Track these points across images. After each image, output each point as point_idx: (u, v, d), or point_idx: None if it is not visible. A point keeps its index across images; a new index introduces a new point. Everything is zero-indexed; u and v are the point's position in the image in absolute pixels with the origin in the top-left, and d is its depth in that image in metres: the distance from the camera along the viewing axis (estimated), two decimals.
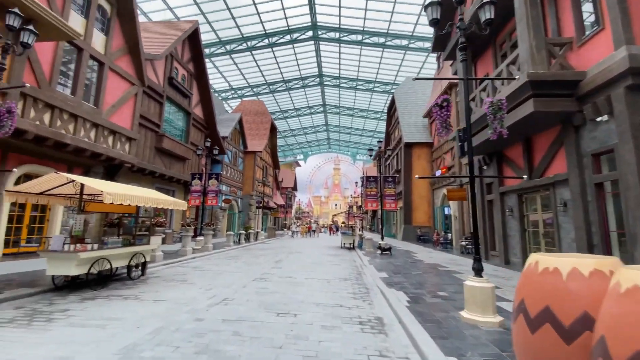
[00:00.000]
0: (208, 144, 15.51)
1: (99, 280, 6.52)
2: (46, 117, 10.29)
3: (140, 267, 7.62)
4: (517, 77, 7.00)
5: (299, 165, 76.76)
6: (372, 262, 11.05)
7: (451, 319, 4.48)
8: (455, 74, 18.62)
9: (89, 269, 5.93)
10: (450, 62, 16.54)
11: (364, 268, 9.94)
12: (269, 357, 3.23)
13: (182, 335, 3.78)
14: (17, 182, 9.82)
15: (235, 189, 30.11)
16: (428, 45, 27.34)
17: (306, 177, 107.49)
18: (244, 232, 19.88)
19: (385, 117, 35.99)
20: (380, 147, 15.25)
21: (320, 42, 30.38)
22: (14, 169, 8.90)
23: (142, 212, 16.65)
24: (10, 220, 9.98)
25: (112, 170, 14.52)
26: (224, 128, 28.32)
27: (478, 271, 4.69)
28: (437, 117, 5.56)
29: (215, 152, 16.28)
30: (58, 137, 10.45)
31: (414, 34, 27.07)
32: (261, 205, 31.68)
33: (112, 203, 5.68)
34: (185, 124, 20.67)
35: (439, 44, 14.84)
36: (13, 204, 10.01)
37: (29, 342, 3.48)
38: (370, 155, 15.62)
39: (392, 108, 32.56)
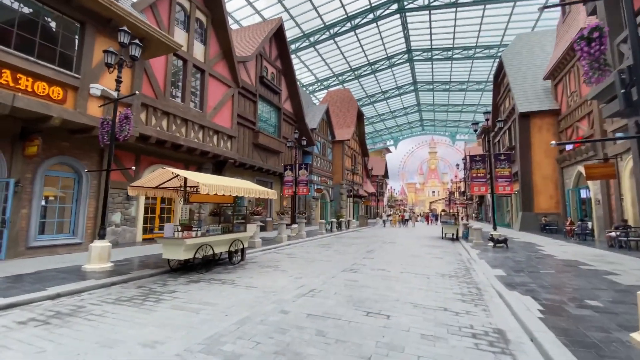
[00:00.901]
0: (296, 135, 15.81)
1: (204, 265, 7.14)
2: (164, 123, 12.03)
3: (239, 253, 8.12)
4: None
5: (389, 151, 73.99)
6: (483, 257, 9.34)
7: (617, 344, 3.07)
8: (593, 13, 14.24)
9: (195, 254, 6.49)
10: None
11: (473, 263, 8.43)
12: None
13: (265, 329, 3.56)
14: None
15: (325, 179, 30.71)
16: None
17: (398, 164, 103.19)
18: (335, 220, 19.95)
19: (492, 86, 30.87)
20: (487, 120, 12.82)
21: (407, 14, 27.82)
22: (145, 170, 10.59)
23: (246, 202, 18.43)
24: (146, 211, 12.15)
25: (219, 166, 16.31)
26: (312, 120, 28.99)
27: None
28: (585, 55, 3.91)
29: (303, 142, 16.54)
30: (174, 140, 12.14)
31: None
32: (351, 193, 31.53)
33: (207, 193, 6.02)
34: (276, 119, 21.83)
35: None
36: (147, 198, 12.17)
37: (136, 321, 3.79)
38: (475, 131, 13.31)
39: (499, 74, 27.62)
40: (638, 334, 3.14)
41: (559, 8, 19.70)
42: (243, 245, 8.04)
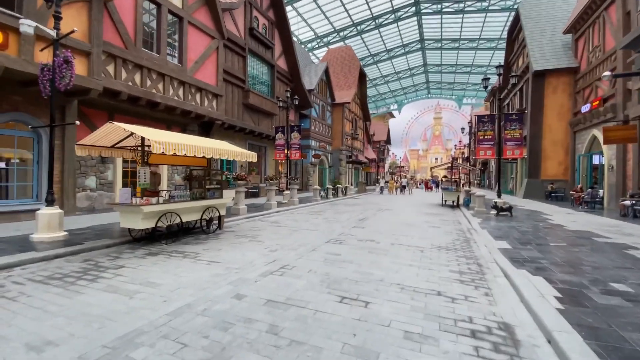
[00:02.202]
0: (288, 94, 14.47)
1: (172, 234, 6.38)
2: (137, 78, 10.75)
3: (216, 221, 7.36)
4: None
5: (392, 116, 71.55)
6: (485, 226, 8.54)
7: None
8: None
9: (156, 222, 5.69)
10: None
11: (474, 233, 7.63)
12: None
13: (203, 323, 2.77)
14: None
15: (324, 144, 29.50)
16: None
17: (401, 130, 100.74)
18: (330, 187, 19.15)
19: (505, 44, 28.42)
20: (499, 75, 11.42)
21: None
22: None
23: (237, 167, 17.51)
24: (125, 175, 11.30)
25: (206, 127, 15.18)
26: (310, 80, 27.16)
27: None
28: None
29: (296, 102, 15.23)
30: (149, 97, 10.93)
31: None
32: (351, 159, 30.50)
33: (163, 153, 5.06)
34: (269, 77, 20.21)
35: None
36: (125, 161, 11.26)
37: (48, 308, 3.03)
38: (485, 88, 11.92)
39: (514, 29, 25.22)
40: None
41: None
42: (220, 213, 7.24)
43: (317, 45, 36.30)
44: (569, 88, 19.09)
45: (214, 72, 14.51)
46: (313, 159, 26.96)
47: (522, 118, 11.12)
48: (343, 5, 29.82)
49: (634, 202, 10.30)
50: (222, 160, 16.38)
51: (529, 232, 7.46)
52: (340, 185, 20.23)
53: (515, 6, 26.41)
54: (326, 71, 29.23)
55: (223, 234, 7.04)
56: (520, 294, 3.45)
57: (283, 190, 14.80)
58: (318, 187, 16.38)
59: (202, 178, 6.94)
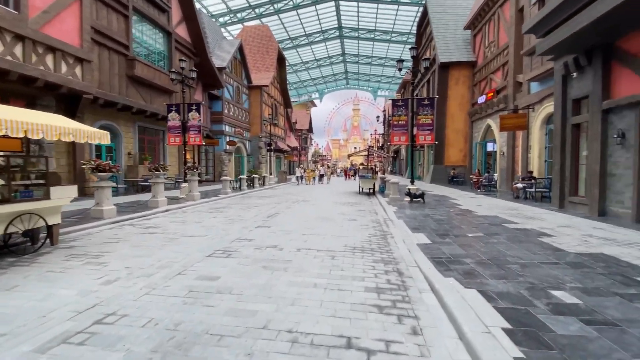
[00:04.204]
0: (183, 65, 11.87)
1: None
2: None
3: (47, 234, 4.94)
4: None
5: (314, 105, 71.61)
6: (401, 215, 7.95)
7: None
8: None
9: None
10: None
11: (390, 225, 6.87)
12: None
13: None
14: None
15: (241, 130, 26.96)
16: None
17: (324, 120, 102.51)
18: (245, 177, 17.17)
19: (414, 39, 29.88)
20: (413, 57, 11.11)
21: None
22: None
23: (124, 157, 14.04)
24: None
25: (70, 103, 11.51)
26: (222, 57, 24.13)
27: None
28: None
29: (193, 75, 12.71)
30: None
31: None
32: (271, 147, 28.67)
33: None
34: (166, 47, 16.83)
35: None
36: None
37: None
38: (400, 70, 11.54)
39: (423, 22, 26.53)
40: None
41: None
42: (47, 222, 4.84)
43: (230, 21, 32.77)
44: (469, 81, 20.73)
45: (76, 27, 10.95)
46: (227, 146, 24.27)
47: (433, 103, 11.03)
48: None
49: (524, 184, 11.18)
50: (97, 146, 12.83)
51: (444, 221, 7.04)
52: (256, 175, 18.34)
53: (424, 1, 27.75)
54: (240, 49, 26.44)
55: (53, 252, 4.71)
56: (459, 328, 2.41)
57: (183, 182, 12.29)
58: (228, 178, 14.27)
59: (6, 169, 4.42)
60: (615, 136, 6.84)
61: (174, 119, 11.99)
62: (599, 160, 7.27)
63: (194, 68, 15.24)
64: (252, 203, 11.19)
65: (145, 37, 15.41)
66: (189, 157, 21.40)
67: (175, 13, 17.46)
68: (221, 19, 32.33)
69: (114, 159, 13.95)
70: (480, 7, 17.92)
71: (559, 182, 8.69)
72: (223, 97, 23.94)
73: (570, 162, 8.44)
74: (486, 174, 15.74)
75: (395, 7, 31.97)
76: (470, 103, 20.65)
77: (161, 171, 9.19)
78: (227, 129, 24.60)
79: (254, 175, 18.00)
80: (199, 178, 11.95)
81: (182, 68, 11.94)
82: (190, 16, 18.47)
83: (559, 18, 6.98)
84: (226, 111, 24.44)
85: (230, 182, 14.56)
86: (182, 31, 18.10)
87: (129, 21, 13.80)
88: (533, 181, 11.06)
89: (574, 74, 8.11)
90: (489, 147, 18.62)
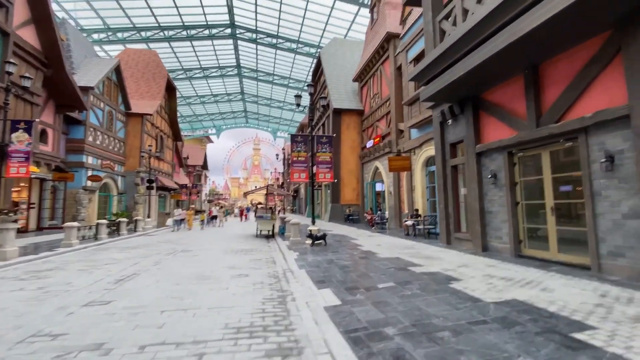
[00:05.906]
0: (12, 69, 8.63)
1: None
2: None
3: None
4: None
5: (210, 141, 67.58)
6: (303, 263, 6.80)
7: None
8: (406, 20, 15.23)
9: None
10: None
11: (291, 280, 5.58)
12: None
13: None
14: None
15: (110, 163, 22.12)
16: None
17: (222, 158, 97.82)
18: (107, 221, 13.37)
19: (310, 88, 31.74)
20: (310, 94, 10.88)
21: None
22: None
23: None
24: None
25: None
26: (90, 75, 19.98)
27: None
28: None
29: (27, 83, 9.48)
30: None
31: None
32: (152, 184, 24.36)
33: None
34: None
35: None
36: None
37: None
38: (298, 105, 11.12)
39: (317, 71, 28.44)
40: None
41: (370, 15, 21.35)
42: None
43: (107, 39, 28.34)
44: (358, 126, 22.51)
45: None
46: (89, 182, 19.22)
47: (331, 141, 10.84)
48: (145, 0, 24.63)
49: (414, 222, 11.74)
50: None
51: (349, 268, 6.20)
52: (123, 220, 14.57)
53: (317, 54, 30.19)
54: (117, 70, 22.61)
55: None
56: None
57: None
58: (76, 225, 10.61)
59: None
60: (489, 177, 7.57)
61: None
62: (478, 199, 7.89)
63: (31, 77, 11.59)
64: (105, 259, 8.20)
65: None
66: (23, 195, 15.87)
67: (21, 11, 13.55)
68: (95, 35, 27.68)
69: None
70: (365, 63, 20.10)
71: (445, 219, 9.21)
72: (87, 122, 19.42)
73: (452, 201, 9.09)
74: (379, 212, 16.44)
75: (292, 54, 33.78)
76: (360, 147, 22.22)
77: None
78: (90, 160, 19.76)
79: (119, 220, 14.23)
80: (17, 226, 8.31)
81: (9, 73, 8.67)
82: (43, 19, 14.67)
83: (437, 69, 7.67)
84: (90, 139, 19.78)
85: (79, 230, 10.85)
86: (29, 35, 14.07)
87: None
88: (420, 218, 11.75)
89: (449, 120, 9.04)
90: (378, 187, 19.95)
